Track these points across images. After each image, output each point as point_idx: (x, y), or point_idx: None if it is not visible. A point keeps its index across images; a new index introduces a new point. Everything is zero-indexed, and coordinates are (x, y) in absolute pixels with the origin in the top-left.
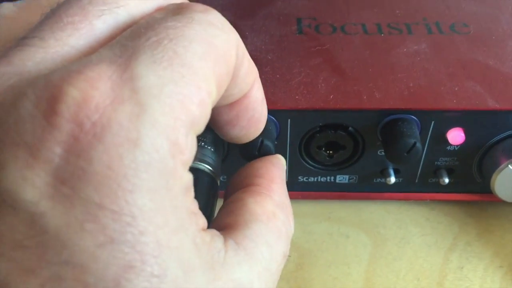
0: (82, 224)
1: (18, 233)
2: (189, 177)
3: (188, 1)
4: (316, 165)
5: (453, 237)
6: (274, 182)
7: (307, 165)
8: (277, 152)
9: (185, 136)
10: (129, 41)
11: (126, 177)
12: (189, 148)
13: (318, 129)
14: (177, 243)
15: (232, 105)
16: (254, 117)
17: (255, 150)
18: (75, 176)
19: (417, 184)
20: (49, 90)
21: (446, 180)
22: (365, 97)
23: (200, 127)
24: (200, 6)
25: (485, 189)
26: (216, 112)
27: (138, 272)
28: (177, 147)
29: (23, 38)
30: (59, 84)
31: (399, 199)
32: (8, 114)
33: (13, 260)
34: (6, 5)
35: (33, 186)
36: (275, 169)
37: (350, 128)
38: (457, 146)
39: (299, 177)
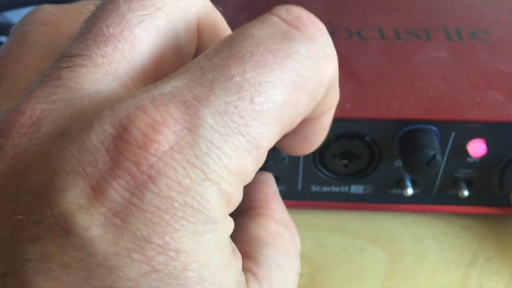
0: (129, 253)
1: (67, 255)
2: (232, 224)
3: (300, 13)
4: (330, 175)
5: (472, 253)
6: (270, 200)
7: (321, 175)
8: (290, 160)
9: (236, 190)
10: (211, 72)
11: (174, 217)
12: (237, 200)
13: (333, 138)
14: (221, 280)
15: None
16: (309, 138)
17: (269, 159)
18: (127, 210)
19: (435, 196)
20: (115, 126)
21: (466, 193)
22: (383, 106)
23: (250, 179)
24: (310, 29)
25: (506, 202)
26: None
27: None
28: (227, 199)
29: (71, 56)
30: (124, 122)
31: (416, 211)
32: (73, 143)
33: (58, 280)
34: (45, 8)
35: (86, 213)
36: (267, 187)
37: (366, 138)
38: (477, 158)
39: (312, 187)
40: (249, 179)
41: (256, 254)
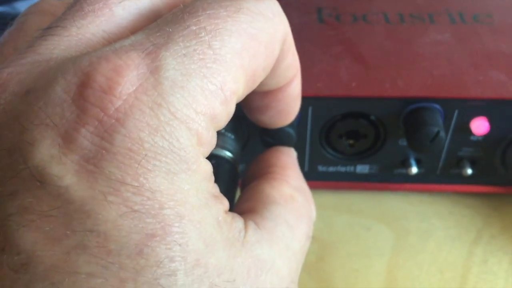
0: (105, 196)
1: (45, 204)
2: (209, 166)
3: None
4: (337, 155)
5: (477, 231)
6: (287, 168)
7: (327, 154)
8: (297, 140)
9: (206, 130)
10: (168, 26)
11: (146, 158)
12: (209, 141)
13: (339, 117)
14: (199, 218)
15: (265, 94)
16: (284, 110)
17: (277, 138)
18: (98, 155)
19: (439, 175)
20: (78, 76)
21: (469, 171)
22: (387, 85)
23: (222, 123)
24: None
25: (509, 181)
26: (248, 96)
27: (160, 240)
28: (197, 138)
29: (47, 28)
30: (87, 70)
31: (420, 190)
32: (39, 98)
33: (40, 230)
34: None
35: (59, 163)
36: (285, 156)
37: (372, 117)
38: (481, 136)
39: (319, 167)
40: (220, 121)
41: (264, 209)
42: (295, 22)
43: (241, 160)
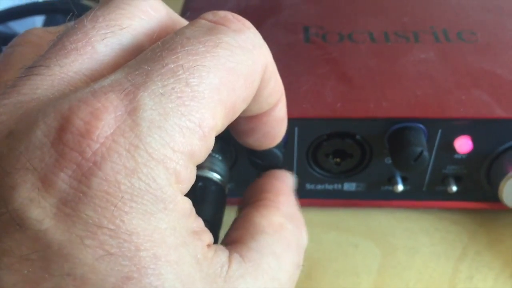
0: (82, 240)
1: (24, 248)
2: (188, 204)
3: (225, 14)
4: (324, 173)
5: (463, 247)
6: (280, 194)
7: (315, 173)
8: (284, 160)
9: (185, 167)
10: (147, 64)
11: (122, 200)
12: (187, 178)
13: (325, 137)
14: (176, 258)
15: (250, 118)
16: (270, 133)
17: (264, 159)
18: (76, 198)
19: (425, 192)
20: (57, 119)
21: (454, 188)
22: (372, 106)
23: (201, 158)
24: (235, 24)
25: (494, 197)
26: (234, 120)
27: (136, 283)
28: (175, 177)
29: (31, 67)
30: (66, 114)
31: (407, 207)
32: (20, 141)
33: (19, 272)
34: (34, 30)
35: (38, 207)
36: (279, 182)
37: (357, 136)
38: (464, 154)
39: (307, 185)
40: (199, 156)
41: (250, 240)
42: (281, 42)
43: (229, 180)
